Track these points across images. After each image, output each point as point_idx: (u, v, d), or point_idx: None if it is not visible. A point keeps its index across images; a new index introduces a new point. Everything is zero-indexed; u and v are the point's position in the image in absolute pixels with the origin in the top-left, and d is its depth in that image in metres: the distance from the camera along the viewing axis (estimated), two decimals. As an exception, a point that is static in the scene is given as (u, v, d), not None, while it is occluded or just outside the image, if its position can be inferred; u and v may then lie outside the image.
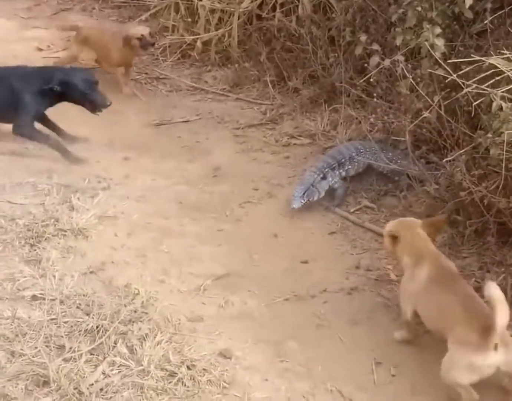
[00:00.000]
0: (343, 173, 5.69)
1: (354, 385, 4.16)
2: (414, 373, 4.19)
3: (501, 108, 4.39)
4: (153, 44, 7.13)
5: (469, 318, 3.87)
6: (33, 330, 4.35)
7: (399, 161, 5.62)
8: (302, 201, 5.48)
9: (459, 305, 3.96)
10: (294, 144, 6.39)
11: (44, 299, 4.59)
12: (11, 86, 6.10)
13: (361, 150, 5.73)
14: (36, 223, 5.20)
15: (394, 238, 4.42)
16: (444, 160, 5.05)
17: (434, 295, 4.14)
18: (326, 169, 5.62)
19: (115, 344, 4.26)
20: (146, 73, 7.37)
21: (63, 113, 6.29)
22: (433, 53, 4.89)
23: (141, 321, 4.43)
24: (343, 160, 5.68)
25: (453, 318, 3.95)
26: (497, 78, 4.51)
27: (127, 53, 7.06)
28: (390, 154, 5.68)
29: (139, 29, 7.07)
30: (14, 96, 6.09)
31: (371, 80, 5.64)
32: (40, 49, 7.88)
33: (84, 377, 4.05)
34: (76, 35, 7.36)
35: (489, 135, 4.52)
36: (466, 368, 3.82)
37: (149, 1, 8.11)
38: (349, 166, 5.70)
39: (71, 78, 6.05)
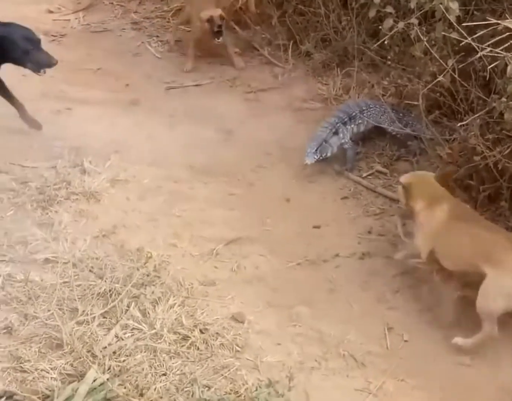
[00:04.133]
0: (355, 129, 5.65)
1: (367, 350, 4.18)
2: (427, 339, 4.20)
3: (516, 72, 4.36)
4: (218, 32, 6.62)
5: (507, 246, 3.89)
6: (46, 293, 4.38)
7: (413, 124, 5.59)
8: (315, 157, 5.45)
9: (491, 235, 4.01)
10: (306, 108, 6.34)
11: (56, 262, 4.61)
12: None
13: (371, 106, 5.69)
14: (48, 186, 5.22)
15: (408, 188, 4.52)
16: (458, 124, 5.02)
17: (460, 230, 4.17)
18: (338, 124, 5.59)
19: (128, 307, 4.29)
20: (157, 37, 7.30)
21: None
22: (447, 16, 4.82)
23: (153, 285, 4.46)
24: (353, 114, 5.64)
25: (487, 248, 3.97)
26: (512, 41, 4.46)
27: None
28: (403, 117, 5.64)
29: (210, 11, 6.65)
30: None
31: (385, 43, 5.58)
32: (51, 12, 7.82)
33: (97, 340, 4.09)
34: None
35: (504, 99, 4.49)
36: (503, 294, 3.84)
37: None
38: (360, 121, 5.66)
39: (10, 34, 5.34)
